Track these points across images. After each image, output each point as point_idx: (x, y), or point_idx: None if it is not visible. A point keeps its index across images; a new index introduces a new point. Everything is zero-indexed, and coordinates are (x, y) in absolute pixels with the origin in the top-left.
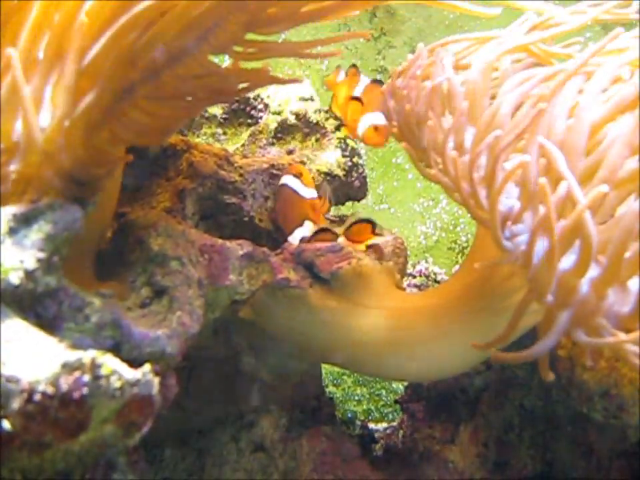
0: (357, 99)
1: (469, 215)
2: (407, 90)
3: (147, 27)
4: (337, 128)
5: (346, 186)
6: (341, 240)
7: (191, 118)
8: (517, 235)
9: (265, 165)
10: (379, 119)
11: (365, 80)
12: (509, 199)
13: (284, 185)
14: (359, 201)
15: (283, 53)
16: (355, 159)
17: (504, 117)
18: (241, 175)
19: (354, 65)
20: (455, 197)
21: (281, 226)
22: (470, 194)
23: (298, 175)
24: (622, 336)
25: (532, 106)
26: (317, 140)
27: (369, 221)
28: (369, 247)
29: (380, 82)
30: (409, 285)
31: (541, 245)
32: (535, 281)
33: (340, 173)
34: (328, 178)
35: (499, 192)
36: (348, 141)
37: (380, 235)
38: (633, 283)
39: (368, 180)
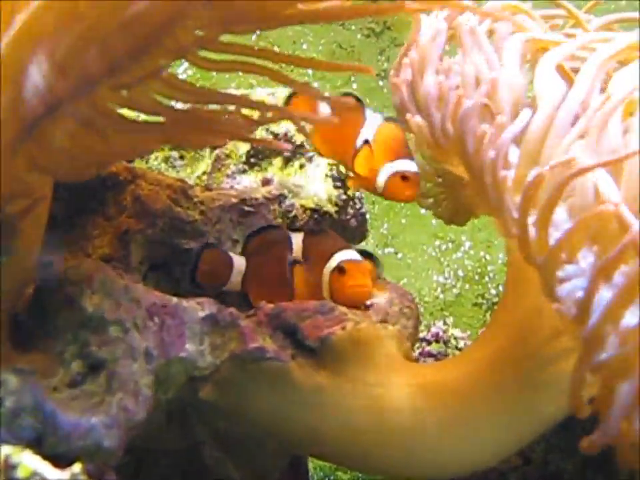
0: (367, 142)
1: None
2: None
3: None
4: None
5: (339, 226)
6: (325, 281)
7: (138, 157)
8: (568, 279)
9: (234, 200)
10: (407, 165)
11: (373, 117)
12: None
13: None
14: (357, 244)
15: (259, 71)
16: (350, 191)
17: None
18: (202, 213)
19: (352, 95)
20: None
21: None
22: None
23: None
24: None
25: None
26: (301, 166)
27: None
28: (368, 306)
29: (394, 119)
30: (421, 354)
31: (604, 295)
32: (592, 341)
33: (331, 209)
34: (316, 216)
35: (548, 218)
36: (341, 168)
37: (383, 288)
38: None
39: (368, 217)
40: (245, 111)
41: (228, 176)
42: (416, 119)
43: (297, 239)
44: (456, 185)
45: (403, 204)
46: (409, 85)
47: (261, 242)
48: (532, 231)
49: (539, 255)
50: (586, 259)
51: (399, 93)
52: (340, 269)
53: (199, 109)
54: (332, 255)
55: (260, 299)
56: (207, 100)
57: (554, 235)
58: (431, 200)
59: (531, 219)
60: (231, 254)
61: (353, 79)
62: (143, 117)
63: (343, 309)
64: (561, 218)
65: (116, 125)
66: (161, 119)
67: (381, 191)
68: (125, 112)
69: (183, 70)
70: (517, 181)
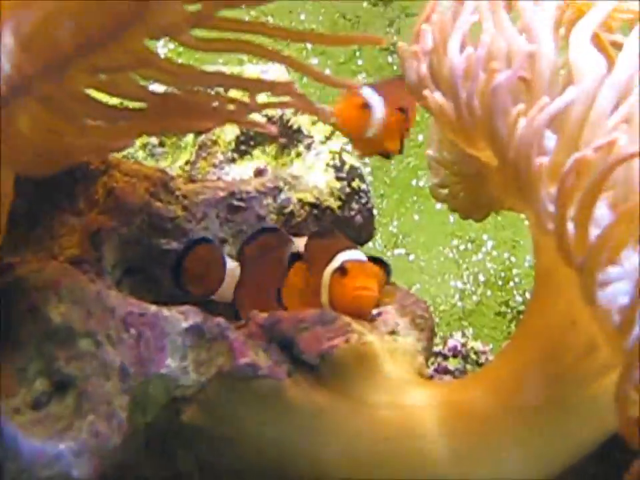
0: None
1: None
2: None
3: None
4: (329, 137)
5: (343, 223)
6: (326, 283)
7: (116, 150)
8: (610, 282)
9: (222, 194)
10: None
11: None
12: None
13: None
14: (362, 244)
15: (254, 51)
16: (355, 183)
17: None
18: (185, 209)
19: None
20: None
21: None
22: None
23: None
24: None
25: None
26: (298, 155)
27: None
28: (374, 316)
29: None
30: (437, 371)
31: None
32: (637, 354)
33: (333, 203)
34: (315, 212)
35: (589, 211)
36: (345, 156)
37: (392, 295)
38: None
39: (375, 213)
40: (235, 93)
41: (215, 166)
42: (436, 96)
43: (300, 245)
44: (477, 174)
45: (415, 198)
46: (428, 55)
47: (259, 248)
48: (570, 227)
49: (579, 255)
50: (629, 259)
51: (414, 65)
52: (342, 270)
53: (185, 91)
54: (335, 255)
55: None
56: (194, 81)
57: (594, 233)
58: (446, 191)
59: (569, 213)
60: (227, 256)
61: (358, 54)
62: (114, 101)
63: (347, 319)
64: (602, 213)
65: (90, 111)
66: (141, 104)
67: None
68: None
69: (161, 44)
70: (553, 170)
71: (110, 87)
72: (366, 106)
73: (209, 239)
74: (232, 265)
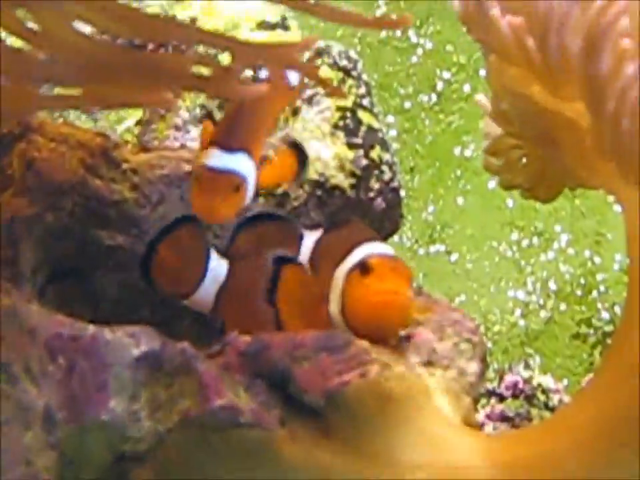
0: None
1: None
2: None
3: None
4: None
5: (357, 209)
6: (338, 286)
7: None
8: None
9: (187, 167)
10: None
11: None
12: None
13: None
14: (384, 239)
15: None
16: (375, 152)
17: None
18: (135, 188)
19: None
20: None
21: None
22: None
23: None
24: None
25: None
26: (295, 112)
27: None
28: (404, 338)
29: None
30: (490, 417)
31: None
32: None
33: (344, 181)
34: (318, 193)
35: None
36: (361, 114)
37: (428, 310)
38: None
39: (403, 195)
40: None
41: (176, 128)
42: (508, 21)
43: (310, 239)
44: (546, 136)
45: (458, 173)
46: None
47: (256, 240)
48: None
49: None
50: None
51: None
52: (363, 267)
53: (143, 50)
54: (352, 249)
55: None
56: (157, 34)
57: None
58: (501, 160)
59: None
60: (212, 249)
61: None
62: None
63: (364, 344)
64: None
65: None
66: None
67: None
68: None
69: None
70: None
71: (34, 33)
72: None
73: (194, 218)
74: (216, 262)
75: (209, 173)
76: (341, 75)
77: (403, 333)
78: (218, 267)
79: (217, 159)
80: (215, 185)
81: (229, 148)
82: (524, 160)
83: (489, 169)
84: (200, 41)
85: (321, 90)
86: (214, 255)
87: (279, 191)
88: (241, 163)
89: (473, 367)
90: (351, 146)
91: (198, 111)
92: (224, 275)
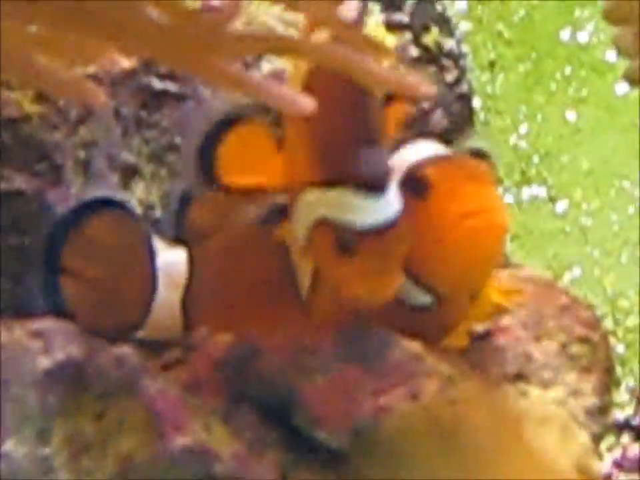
0: None
1: None
2: None
3: None
4: None
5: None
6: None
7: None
8: None
9: (125, 65)
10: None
11: None
12: None
13: None
14: None
15: None
16: (431, 36)
17: None
18: (41, 99)
19: None
20: None
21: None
22: None
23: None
24: None
25: None
26: None
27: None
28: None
29: None
30: (619, 466)
31: None
32: None
33: None
34: None
35: None
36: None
37: (517, 291)
38: None
39: (478, 105)
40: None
41: None
42: None
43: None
44: None
45: (569, 70)
46: None
47: (214, 207)
48: None
49: None
50: None
51: None
52: (420, 181)
53: None
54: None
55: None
56: None
57: None
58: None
59: None
60: (155, 238)
61: None
62: None
63: (414, 346)
64: None
65: None
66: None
67: None
68: None
69: None
70: None
71: None
72: None
73: (119, 201)
74: (170, 256)
75: (374, 237)
76: None
77: (479, 327)
78: (172, 261)
79: (370, 210)
80: (384, 249)
81: (373, 187)
82: None
83: (620, 52)
84: None
85: None
86: (160, 245)
87: None
88: (396, 201)
89: (592, 383)
90: (393, 26)
91: None
92: (184, 271)
